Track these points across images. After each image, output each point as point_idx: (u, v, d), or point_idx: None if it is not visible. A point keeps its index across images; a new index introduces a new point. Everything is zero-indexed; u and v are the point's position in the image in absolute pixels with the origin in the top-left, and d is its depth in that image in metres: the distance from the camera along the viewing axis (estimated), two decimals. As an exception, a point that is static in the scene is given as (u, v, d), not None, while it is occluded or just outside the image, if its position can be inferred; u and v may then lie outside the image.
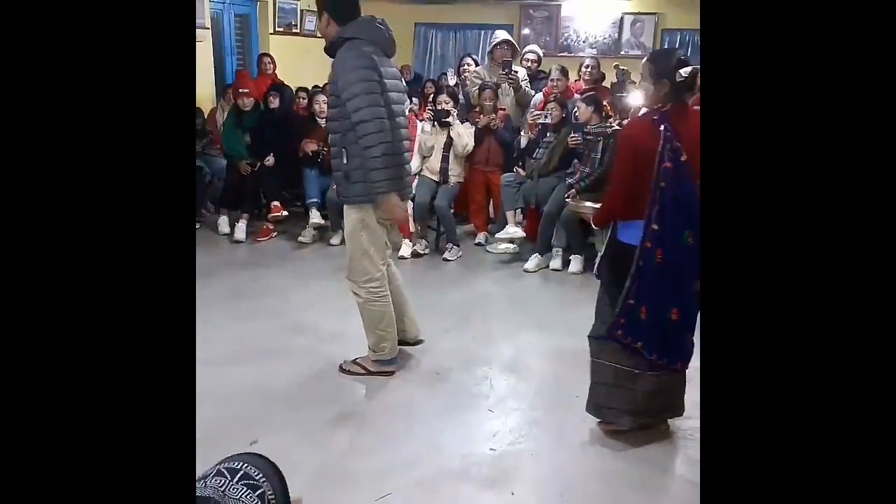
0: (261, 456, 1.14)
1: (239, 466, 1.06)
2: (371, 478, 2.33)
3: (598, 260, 2.85)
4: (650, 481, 2.40)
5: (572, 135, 4.60)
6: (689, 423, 2.80)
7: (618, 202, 2.45)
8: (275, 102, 5.32)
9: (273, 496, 1.04)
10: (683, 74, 2.32)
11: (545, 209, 4.56)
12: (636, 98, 5.10)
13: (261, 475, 1.06)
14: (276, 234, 5.13)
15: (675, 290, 2.38)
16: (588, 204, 2.95)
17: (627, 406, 2.56)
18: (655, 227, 2.31)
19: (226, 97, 5.89)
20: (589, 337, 2.67)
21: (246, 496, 1.00)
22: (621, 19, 8.25)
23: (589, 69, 5.42)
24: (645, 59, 2.52)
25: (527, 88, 5.36)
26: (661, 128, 2.29)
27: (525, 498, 2.29)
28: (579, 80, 5.64)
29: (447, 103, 4.91)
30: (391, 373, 3.07)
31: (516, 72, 5.26)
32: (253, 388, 2.91)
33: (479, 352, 3.38)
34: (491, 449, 2.56)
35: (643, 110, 2.59)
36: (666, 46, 8.27)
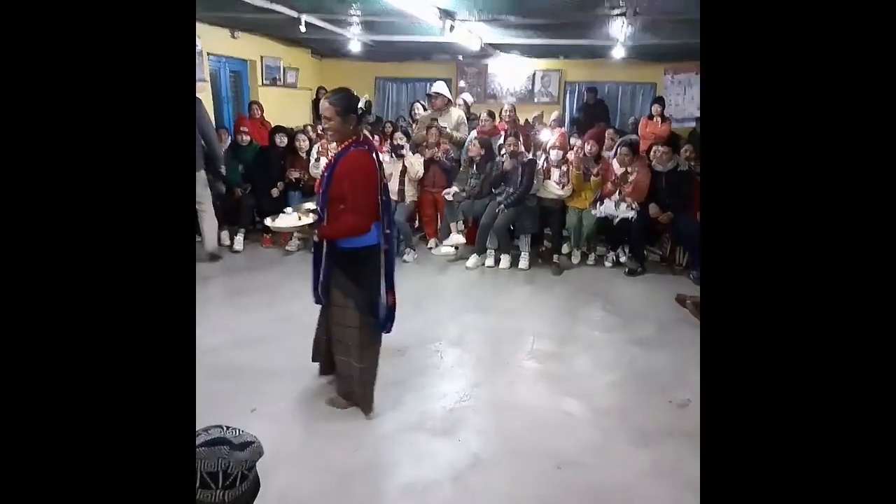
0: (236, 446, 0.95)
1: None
2: (349, 433, 2.30)
3: (322, 281, 2.37)
4: (562, 423, 2.45)
5: (508, 160, 4.61)
6: (599, 379, 2.87)
7: (368, 219, 2.24)
8: (283, 141, 5.08)
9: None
10: (362, 107, 2.22)
11: (482, 221, 4.60)
12: (545, 135, 5.23)
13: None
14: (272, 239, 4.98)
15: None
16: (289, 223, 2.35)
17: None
18: (388, 231, 2.34)
19: (222, 136, 5.62)
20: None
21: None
22: (534, 74, 8.41)
23: (508, 112, 5.48)
24: (326, 102, 2.21)
25: (461, 134, 5.25)
26: (373, 154, 2.26)
27: (469, 442, 2.30)
28: (502, 121, 5.71)
29: (401, 139, 4.91)
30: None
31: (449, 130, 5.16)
32: (252, 366, 2.84)
33: (431, 331, 3.37)
34: (442, 406, 2.56)
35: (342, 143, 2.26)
36: (567, 95, 8.48)
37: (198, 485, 0.88)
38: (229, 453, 0.90)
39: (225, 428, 0.97)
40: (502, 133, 5.11)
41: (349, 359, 2.41)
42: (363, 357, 2.39)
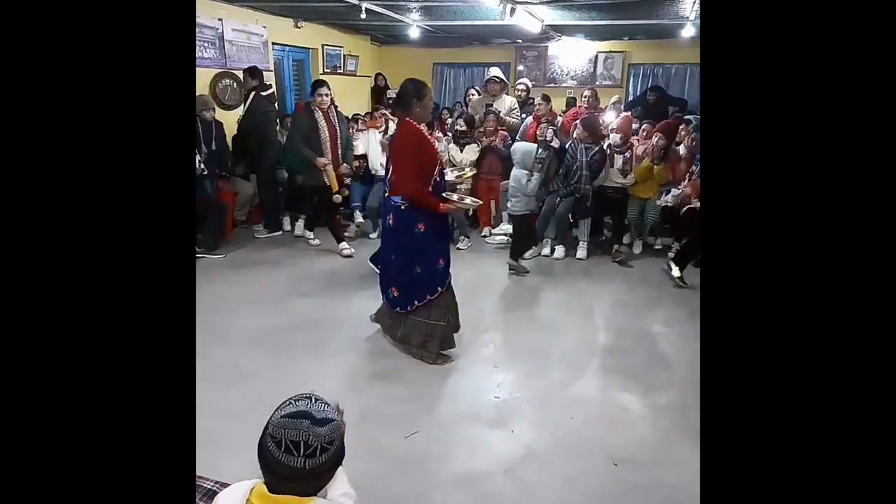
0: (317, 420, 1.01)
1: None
2: (401, 419, 2.33)
3: None
4: (618, 419, 2.39)
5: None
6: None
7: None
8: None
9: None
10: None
11: (543, 209, 4.50)
12: (609, 116, 5.03)
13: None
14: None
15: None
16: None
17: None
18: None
19: (284, 123, 5.74)
20: None
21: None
22: (596, 56, 8.10)
23: (587, 98, 5.27)
24: None
25: (514, 119, 5.24)
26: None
27: (522, 434, 2.28)
28: (580, 106, 5.50)
29: (461, 126, 4.89)
30: None
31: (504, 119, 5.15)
32: (311, 349, 2.93)
33: (485, 320, 3.36)
34: (495, 397, 2.55)
35: None
36: (631, 78, 8.12)
37: (283, 449, 0.95)
38: (310, 427, 0.97)
39: (313, 400, 1.03)
40: (557, 119, 4.97)
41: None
42: None
